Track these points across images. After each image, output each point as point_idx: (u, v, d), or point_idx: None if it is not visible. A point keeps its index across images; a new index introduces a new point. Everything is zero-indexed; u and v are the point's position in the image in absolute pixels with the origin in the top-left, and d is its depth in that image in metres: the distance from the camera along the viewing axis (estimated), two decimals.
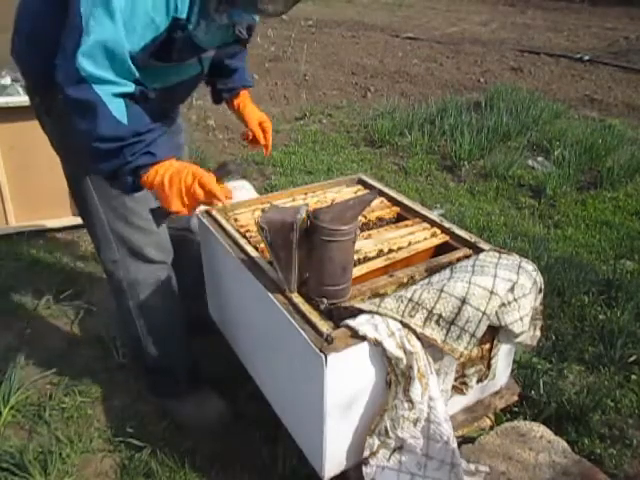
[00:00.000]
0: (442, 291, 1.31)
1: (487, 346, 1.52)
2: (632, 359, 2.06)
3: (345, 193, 1.94)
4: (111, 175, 1.30)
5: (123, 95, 1.23)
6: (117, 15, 1.16)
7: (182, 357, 1.85)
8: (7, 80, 2.82)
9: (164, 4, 1.21)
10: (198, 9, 1.28)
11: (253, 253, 1.54)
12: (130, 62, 1.23)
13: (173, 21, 1.26)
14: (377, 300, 1.33)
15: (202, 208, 1.68)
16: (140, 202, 1.54)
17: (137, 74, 1.26)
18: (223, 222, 1.72)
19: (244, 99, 1.87)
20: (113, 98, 1.21)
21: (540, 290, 1.51)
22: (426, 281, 1.42)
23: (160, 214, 1.35)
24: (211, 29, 1.37)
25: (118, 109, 1.21)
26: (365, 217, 1.76)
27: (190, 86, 1.64)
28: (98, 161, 1.27)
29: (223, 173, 1.33)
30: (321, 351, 1.20)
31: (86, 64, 1.17)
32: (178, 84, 1.53)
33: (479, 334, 1.32)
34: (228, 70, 1.80)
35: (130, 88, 1.25)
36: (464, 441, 1.60)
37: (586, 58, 6.69)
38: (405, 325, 1.29)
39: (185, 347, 1.86)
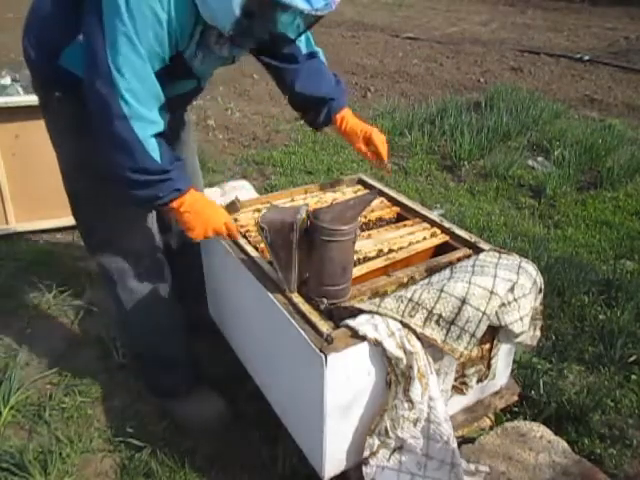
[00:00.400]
0: (442, 291, 1.32)
1: (487, 346, 1.52)
2: (632, 359, 2.06)
3: (345, 193, 1.94)
4: (139, 202, 1.45)
5: (156, 135, 1.35)
6: (142, 51, 1.25)
7: (182, 355, 1.85)
8: (7, 80, 2.82)
9: (167, 40, 1.28)
10: (196, 43, 1.35)
11: (253, 253, 1.55)
12: (159, 88, 1.33)
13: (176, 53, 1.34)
14: (377, 300, 1.33)
15: None
16: (123, 202, 1.57)
17: (163, 98, 1.37)
18: None
19: (343, 121, 1.78)
20: (149, 138, 1.33)
21: (540, 290, 1.51)
22: (426, 281, 1.42)
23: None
24: (209, 59, 1.44)
25: (153, 148, 1.34)
26: (365, 217, 1.76)
27: (187, 98, 1.66)
28: (128, 187, 1.39)
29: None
30: (321, 351, 1.20)
31: (131, 100, 1.27)
32: (177, 96, 1.54)
33: (479, 334, 1.32)
34: (315, 101, 1.75)
35: (161, 127, 1.37)
36: (464, 441, 1.60)
37: (586, 58, 6.68)
38: (405, 325, 1.29)
39: (185, 347, 1.86)
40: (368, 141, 1.77)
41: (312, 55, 1.74)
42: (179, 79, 1.41)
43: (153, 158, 1.33)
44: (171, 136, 1.78)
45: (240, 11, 1.20)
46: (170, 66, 1.35)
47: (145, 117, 1.31)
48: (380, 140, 1.77)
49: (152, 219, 1.68)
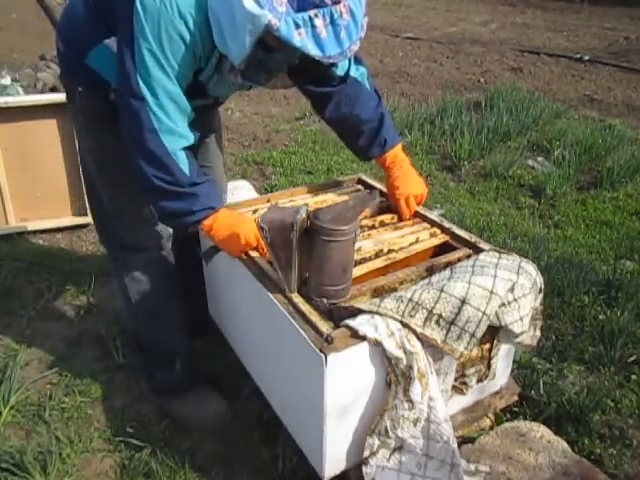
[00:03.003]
0: (442, 291, 1.32)
1: (487, 346, 1.52)
2: (632, 359, 2.06)
3: (345, 193, 1.94)
4: (168, 216, 1.46)
5: (185, 148, 1.39)
6: (169, 71, 1.30)
7: (182, 352, 1.86)
8: (7, 80, 2.81)
9: (192, 60, 1.33)
10: (214, 66, 1.38)
11: (253, 253, 1.55)
12: (188, 103, 1.37)
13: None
14: (377, 300, 1.33)
15: None
16: (135, 198, 1.60)
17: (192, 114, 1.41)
18: None
19: (393, 165, 1.74)
20: (179, 151, 1.37)
21: (540, 290, 1.51)
22: (426, 281, 1.42)
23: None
24: (222, 83, 1.46)
25: (183, 161, 1.38)
26: (366, 217, 1.76)
27: (205, 110, 1.65)
28: (157, 198, 1.42)
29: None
30: (321, 351, 1.20)
31: (161, 115, 1.32)
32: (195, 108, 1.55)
33: (479, 334, 1.32)
34: (358, 124, 1.71)
35: (191, 141, 1.40)
36: (464, 441, 1.60)
37: (586, 58, 6.68)
38: (405, 325, 1.29)
39: (186, 345, 1.87)
40: (407, 200, 1.73)
41: (350, 78, 1.66)
42: (194, 97, 1.42)
43: (183, 170, 1.37)
44: (200, 146, 1.80)
45: (252, 49, 1.21)
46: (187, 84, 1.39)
47: (175, 131, 1.35)
48: (417, 202, 1.74)
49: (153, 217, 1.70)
